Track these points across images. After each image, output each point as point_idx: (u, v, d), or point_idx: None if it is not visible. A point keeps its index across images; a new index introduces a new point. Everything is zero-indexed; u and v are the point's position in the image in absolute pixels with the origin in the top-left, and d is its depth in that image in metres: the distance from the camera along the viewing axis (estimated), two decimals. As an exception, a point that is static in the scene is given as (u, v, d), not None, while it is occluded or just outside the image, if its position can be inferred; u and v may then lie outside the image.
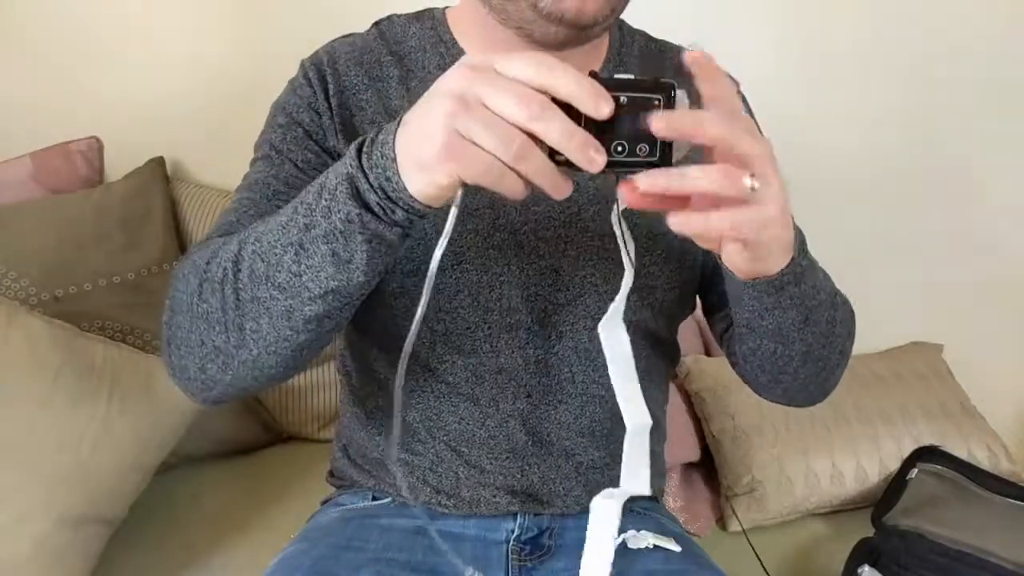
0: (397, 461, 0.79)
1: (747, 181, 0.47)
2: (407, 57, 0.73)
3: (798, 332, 0.65)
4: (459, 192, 0.48)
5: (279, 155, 0.70)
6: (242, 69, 1.37)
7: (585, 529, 0.79)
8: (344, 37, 0.76)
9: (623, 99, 0.46)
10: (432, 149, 0.46)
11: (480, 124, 0.45)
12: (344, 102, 0.71)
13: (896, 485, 1.17)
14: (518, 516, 0.78)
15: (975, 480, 1.14)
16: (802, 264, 0.58)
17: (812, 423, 1.24)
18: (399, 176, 0.49)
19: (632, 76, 0.46)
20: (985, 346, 1.49)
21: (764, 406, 1.26)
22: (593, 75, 0.45)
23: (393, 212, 0.51)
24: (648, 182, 0.46)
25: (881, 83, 1.40)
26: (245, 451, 1.28)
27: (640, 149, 0.47)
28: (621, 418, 0.77)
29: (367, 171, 0.50)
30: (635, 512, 0.84)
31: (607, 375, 0.73)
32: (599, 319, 0.73)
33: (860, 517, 1.16)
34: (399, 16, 0.77)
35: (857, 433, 1.23)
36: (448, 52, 0.73)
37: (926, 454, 1.20)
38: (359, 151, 0.51)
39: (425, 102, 0.48)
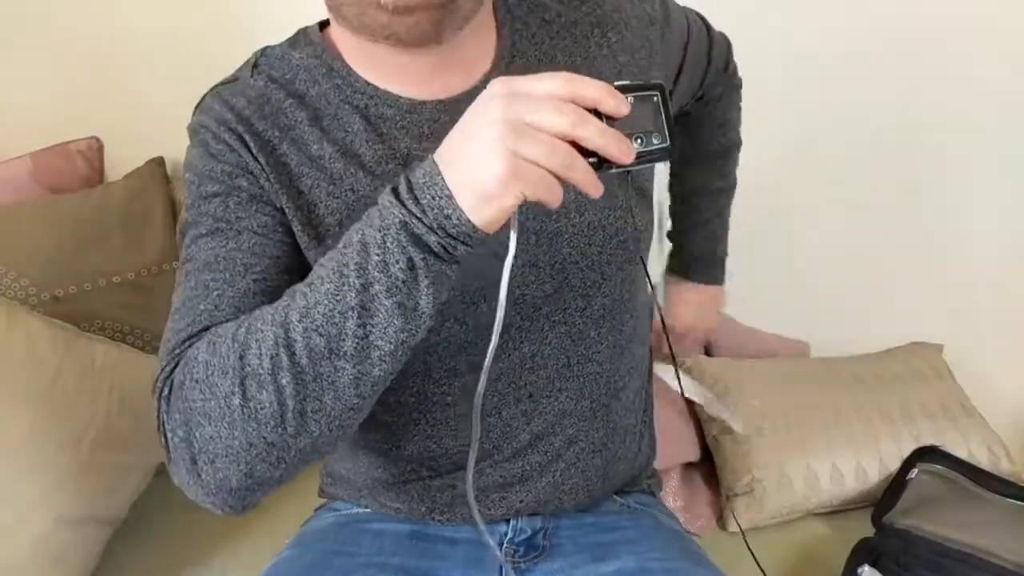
0: (403, 486, 0.79)
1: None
2: (306, 96, 0.68)
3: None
4: (515, 212, 0.51)
5: (229, 226, 0.64)
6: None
7: (579, 529, 0.80)
8: (227, 85, 0.69)
9: (630, 99, 0.51)
10: (496, 176, 0.48)
11: (533, 142, 0.48)
12: (267, 160, 0.66)
13: (896, 485, 1.17)
14: (511, 519, 0.78)
15: (975, 480, 1.14)
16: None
17: (812, 423, 1.24)
18: (460, 210, 0.50)
19: (627, 82, 0.52)
20: (985, 346, 1.49)
21: (764, 406, 1.26)
22: None
23: (455, 249, 0.52)
24: None
25: (878, 82, 1.40)
26: (245, 451, 1.28)
27: (655, 138, 0.53)
28: (616, 388, 0.79)
29: (420, 215, 0.51)
30: (633, 508, 0.84)
31: (600, 350, 0.76)
32: (589, 297, 0.74)
33: (860, 517, 1.16)
34: (274, 48, 0.71)
35: (857, 433, 1.23)
36: (345, 82, 0.68)
37: (926, 454, 1.19)
38: (398, 197, 0.52)
39: (465, 136, 0.50)
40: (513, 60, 0.69)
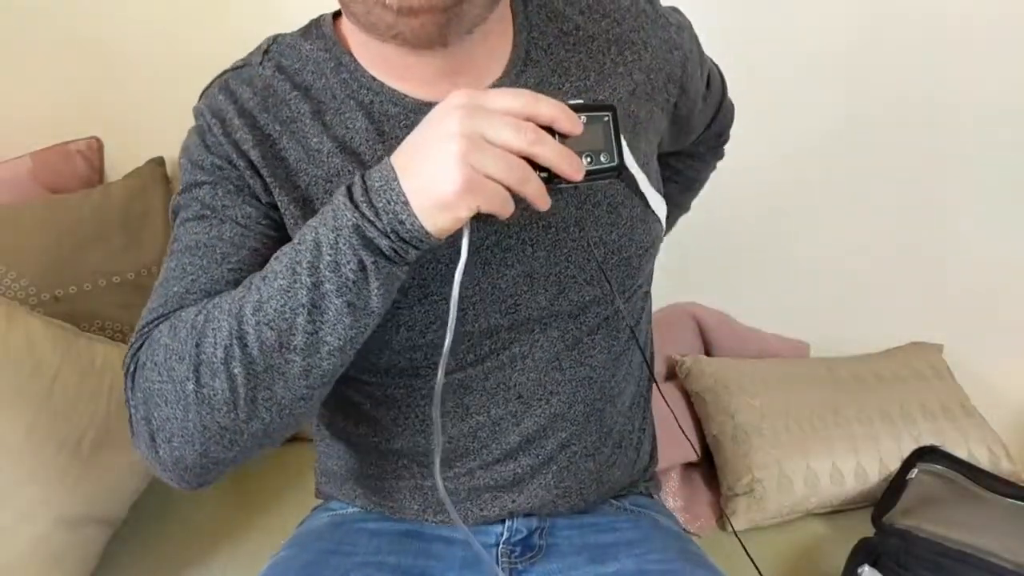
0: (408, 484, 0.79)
1: None
2: (312, 88, 0.68)
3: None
4: (468, 220, 0.53)
5: (214, 214, 0.66)
6: (242, 69, 1.37)
7: (577, 529, 0.79)
8: (236, 71, 0.70)
9: (583, 118, 0.54)
10: (453, 187, 0.51)
11: (491, 158, 0.51)
12: (264, 154, 0.66)
13: (896, 485, 1.17)
14: (506, 520, 0.78)
15: (975, 480, 1.14)
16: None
17: (812, 423, 1.24)
18: (414, 217, 0.52)
19: (581, 100, 0.55)
20: (985, 346, 1.49)
21: (764, 406, 1.26)
22: None
23: (406, 253, 0.54)
24: None
25: (878, 82, 1.40)
26: (245, 451, 1.28)
27: (603, 157, 0.56)
28: (611, 394, 0.78)
29: (374, 219, 0.53)
30: (630, 511, 0.84)
31: (594, 355, 0.75)
32: (585, 306, 0.73)
33: (860, 517, 1.16)
34: (286, 36, 0.72)
35: (857, 433, 1.23)
36: (352, 77, 0.67)
37: (926, 454, 1.20)
38: (352, 199, 0.54)
39: (424, 144, 0.52)
40: (525, 69, 0.69)
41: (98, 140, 1.36)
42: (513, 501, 0.77)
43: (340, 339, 0.56)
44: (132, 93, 1.40)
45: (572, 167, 0.53)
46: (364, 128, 0.67)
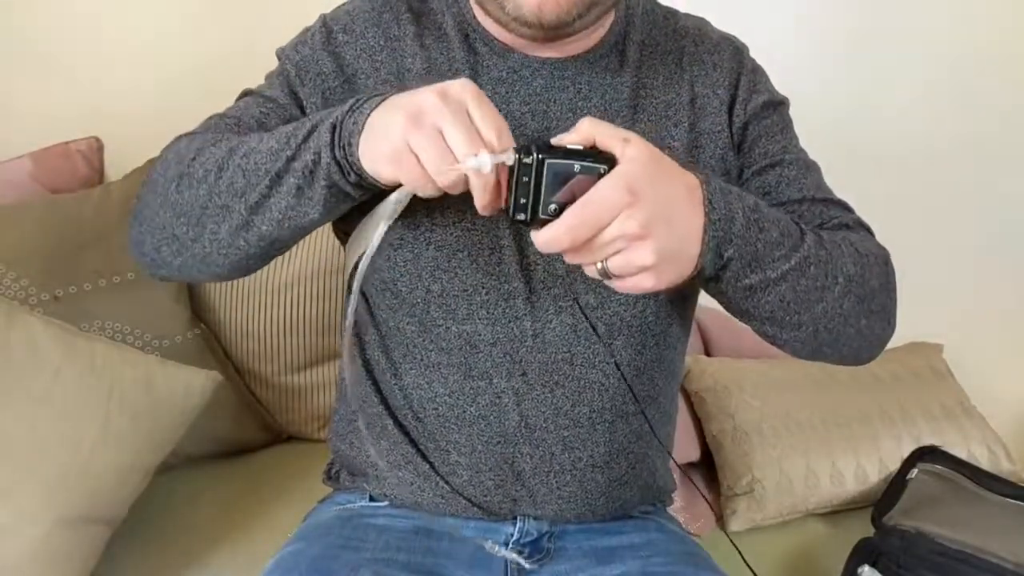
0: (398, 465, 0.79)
1: (599, 265, 0.57)
2: (425, 16, 0.74)
3: (782, 315, 0.68)
4: (400, 200, 0.57)
5: (267, 101, 0.74)
6: (241, 68, 1.37)
7: (584, 533, 0.79)
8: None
9: (576, 167, 0.55)
10: (383, 149, 0.56)
11: (428, 143, 0.54)
12: (355, 67, 0.73)
13: (896, 485, 1.17)
14: (518, 520, 0.78)
15: (975, 480, 1.14)
16: (724, 256, 0.62)
17: (812, 423, 1.24)
18: (357, 148, 0.57)
19: (580, 147, 0.56)
20: (985, 346, 1.49)
21: (764, 406, 1.26)
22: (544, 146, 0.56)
23: (348, 173, 0.59)
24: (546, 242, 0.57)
25: (878, 81, 1.40)
26: (245, 451, 1.28)
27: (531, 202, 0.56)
28: (625, 412, 0.76)
29: (343, 127, 0.59)
30: (635, 517, 0.84)
31: (609, 362, 0.74)
32: (603, 296, 0.72)
33: (860, 517, 1.16)
34: None
35: (857, 433, 1.23)
36: (460, 12, 0.74)
37: (926, 454, 1.20)
38: (352, 105, 0.59)
39: (393, 108, 0.56)
40: (609, 53, 0.73)
41: (98, 140, 1.36)
42: (518, 496, 0.76)
43: (280, 212, 0.62)
44: (132, 93, 1.40)
45: (482, 208, 0.57)
46: (459, 58, 0.72)
